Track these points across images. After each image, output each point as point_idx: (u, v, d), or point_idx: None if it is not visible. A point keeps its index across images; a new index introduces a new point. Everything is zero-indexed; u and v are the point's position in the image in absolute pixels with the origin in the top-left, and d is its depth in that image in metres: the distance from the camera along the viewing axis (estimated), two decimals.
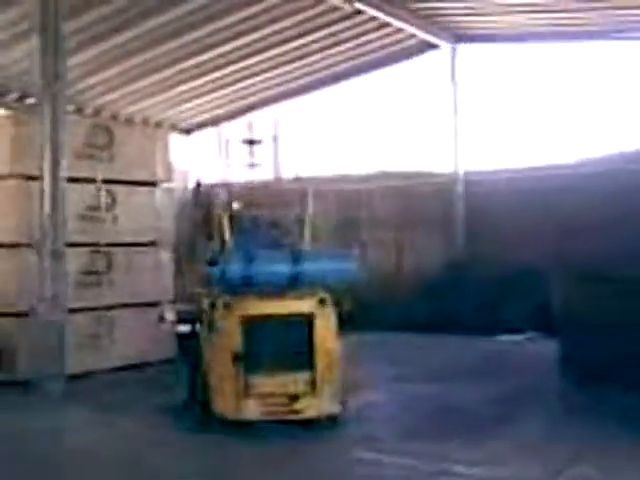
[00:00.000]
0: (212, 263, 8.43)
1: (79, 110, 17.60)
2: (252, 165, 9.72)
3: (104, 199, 12.04)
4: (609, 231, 10.05)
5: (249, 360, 8.07)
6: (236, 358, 8.04)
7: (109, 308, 11.93)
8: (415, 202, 17.41)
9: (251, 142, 9.77)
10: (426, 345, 14.32)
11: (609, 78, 15.98)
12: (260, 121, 19.55)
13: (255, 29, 15.36)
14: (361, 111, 18.58)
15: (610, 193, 10.21)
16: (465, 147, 17.51)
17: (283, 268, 8.43)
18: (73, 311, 10.74)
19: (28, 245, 10.81)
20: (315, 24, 15.64)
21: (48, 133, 10.18)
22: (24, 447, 7.73)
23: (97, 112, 18.39)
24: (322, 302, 8.34)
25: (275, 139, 9.96)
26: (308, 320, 8.23)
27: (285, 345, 8.18)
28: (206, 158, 20.75)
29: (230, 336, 8.13)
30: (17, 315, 10.95)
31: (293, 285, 8.44)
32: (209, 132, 20.93)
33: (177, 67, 16.70)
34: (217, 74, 17.54)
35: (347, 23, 15.85)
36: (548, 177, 15.50)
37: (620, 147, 12.03)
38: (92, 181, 11.93)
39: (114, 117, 18.70)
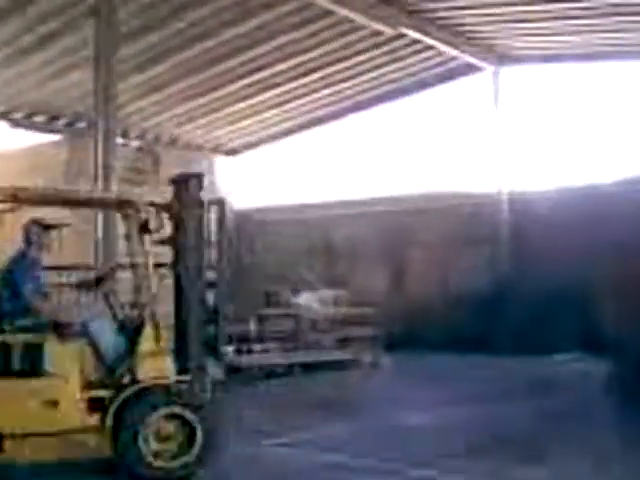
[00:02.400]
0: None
1: (124, 134, 17.89)
2: None
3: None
4: None
5: None
6: None
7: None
8: (460, 222, 17.43)
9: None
10: (473, 366, 14.26)
11: None
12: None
13: (298, 53, 15.61)
14: (405, 133, 18.72)
15: None
16: (509, 167, 17.54)
17: None
18: None
19: (84, 268, 10.98)
20: (358, 48, 15.83)
21: (100, 157, 10.36)
22: None
23: (141, 136, 18.71)
24: None
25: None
26: None
27: None
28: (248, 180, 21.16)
29: None
30: None
31: None
32: (252, 154, 21.25)
33: (220, 91, 17.00)
34: (259, 98, 17.79)
35: (390, 46, 16.01)
36: (592, 196, 15.51)
37: None
38: None
39: (158, 140, 19.01)
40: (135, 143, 18.08)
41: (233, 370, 13.06)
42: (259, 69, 16.07)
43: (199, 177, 7.45)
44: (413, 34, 15.21)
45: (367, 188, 19.08)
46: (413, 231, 18.14)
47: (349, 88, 18.09)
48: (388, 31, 14.81)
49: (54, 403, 6.51)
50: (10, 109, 16.22)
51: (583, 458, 7.45)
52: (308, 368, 13.90)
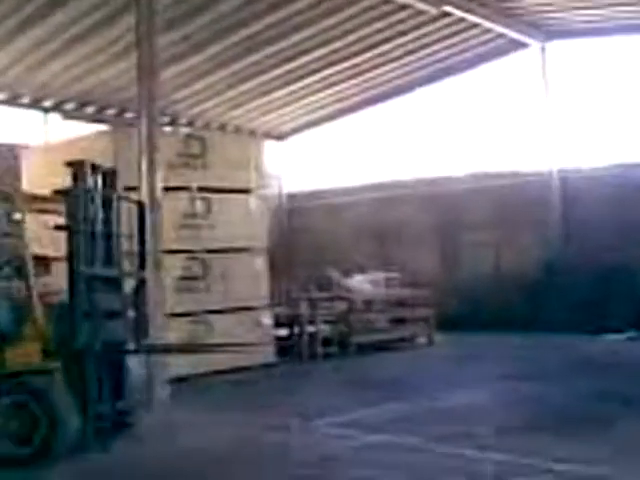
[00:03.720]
0: None
1: (173, 121, 18.08)
2: None
3: (200, 207, 12.26)
4: None
5: None
6: None
7: (207, 313, 12.09)
8: (511, 202, 17.29)
9: None
10: (525, 345, 14.22)
11: None
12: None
13: (342, 36, 15.56)
14: (453, 113, 18.56)
15: None
16: (559, 144, 17.28)
17: None
18: (172, 316, 10.97)
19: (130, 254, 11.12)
20: (402, 28, 15.71)
21: (145, 145, 10.44)
22: None
23: (191, 122, 18.89)
24: None
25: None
26: None
27: None
28: (299, 164, 21.23)
29: None
30: None
31: None
32: (302, 137, 21.29)
33: (268, 75, 17.04)
34: (307, 81, 17.81)
35: (434, 25, 15.88)
36: None
37: None
38: (188, 189, 12.16)
39: (207, 126, 19.16)
40: (184, 130, 18.26)
41: (285, 351, 13.27)
42: (302, 54, 16.08)
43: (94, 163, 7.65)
44: (457, 12, 15.07)
45: (417, 169, 19.03)
46: (464, 212, 18.05)
47: (394, 70, 17.98)
48: (432, 10, 14.70)
49: None
50: (60, 101, 16.50)
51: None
52: (361, 349, 13.96)
